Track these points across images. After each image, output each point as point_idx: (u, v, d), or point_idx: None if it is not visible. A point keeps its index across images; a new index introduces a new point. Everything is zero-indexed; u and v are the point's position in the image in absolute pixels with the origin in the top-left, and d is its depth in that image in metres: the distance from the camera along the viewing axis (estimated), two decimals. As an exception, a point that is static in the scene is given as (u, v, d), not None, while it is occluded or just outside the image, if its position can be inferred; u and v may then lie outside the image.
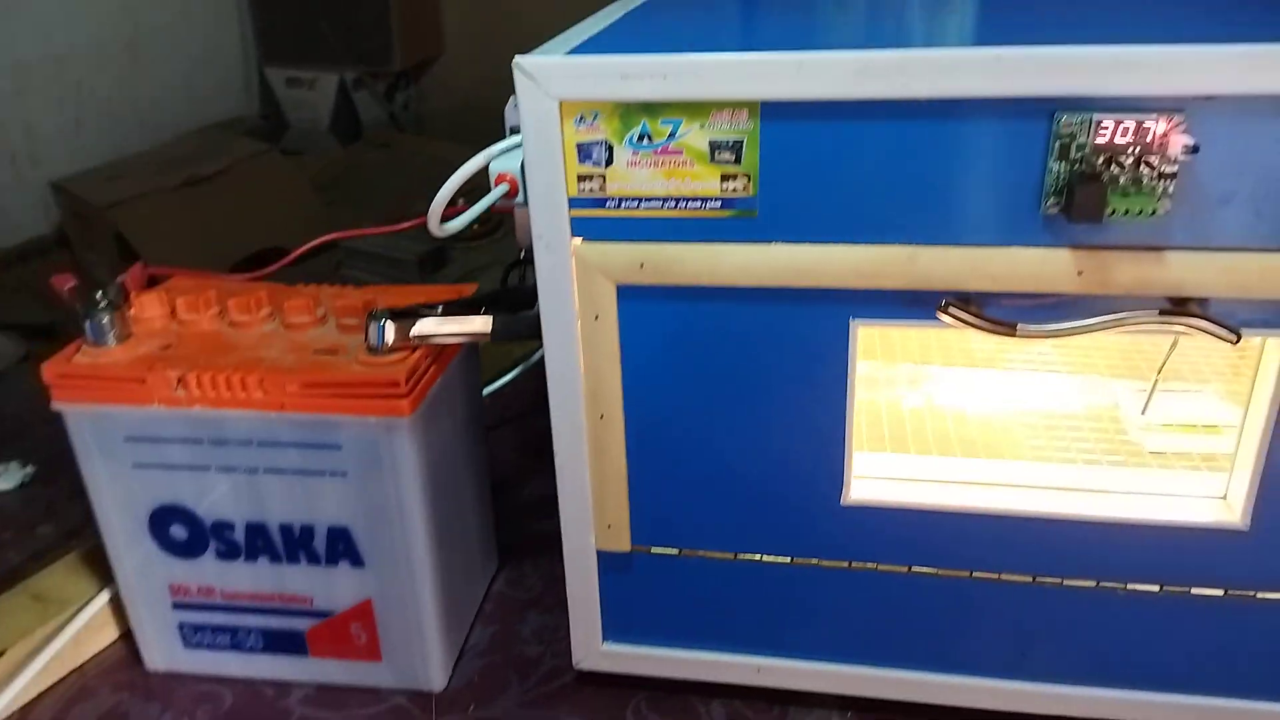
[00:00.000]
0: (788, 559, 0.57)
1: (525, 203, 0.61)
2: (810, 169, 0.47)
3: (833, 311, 0.50)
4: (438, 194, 0.55)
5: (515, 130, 0.69)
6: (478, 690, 0.65)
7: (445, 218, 0.56)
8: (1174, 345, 0.63)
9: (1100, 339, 0.67)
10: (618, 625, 0.62)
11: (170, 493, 0.61)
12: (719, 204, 0.48)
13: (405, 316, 0.58)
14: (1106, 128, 0.43)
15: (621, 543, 0.58)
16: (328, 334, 0.62)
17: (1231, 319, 0.46)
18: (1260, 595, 0.52)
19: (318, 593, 0.63)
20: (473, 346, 0.67)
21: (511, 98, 0.69)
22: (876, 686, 0.60)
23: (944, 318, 0.48)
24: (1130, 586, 0.54)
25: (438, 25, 1.87)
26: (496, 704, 0.64)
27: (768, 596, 0.59)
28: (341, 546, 0.61)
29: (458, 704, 0.64)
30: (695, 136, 0.47)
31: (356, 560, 0.61)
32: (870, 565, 0.56)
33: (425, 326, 0.57)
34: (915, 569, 0.56)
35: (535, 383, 0.88)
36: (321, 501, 0.60)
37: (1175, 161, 0.43)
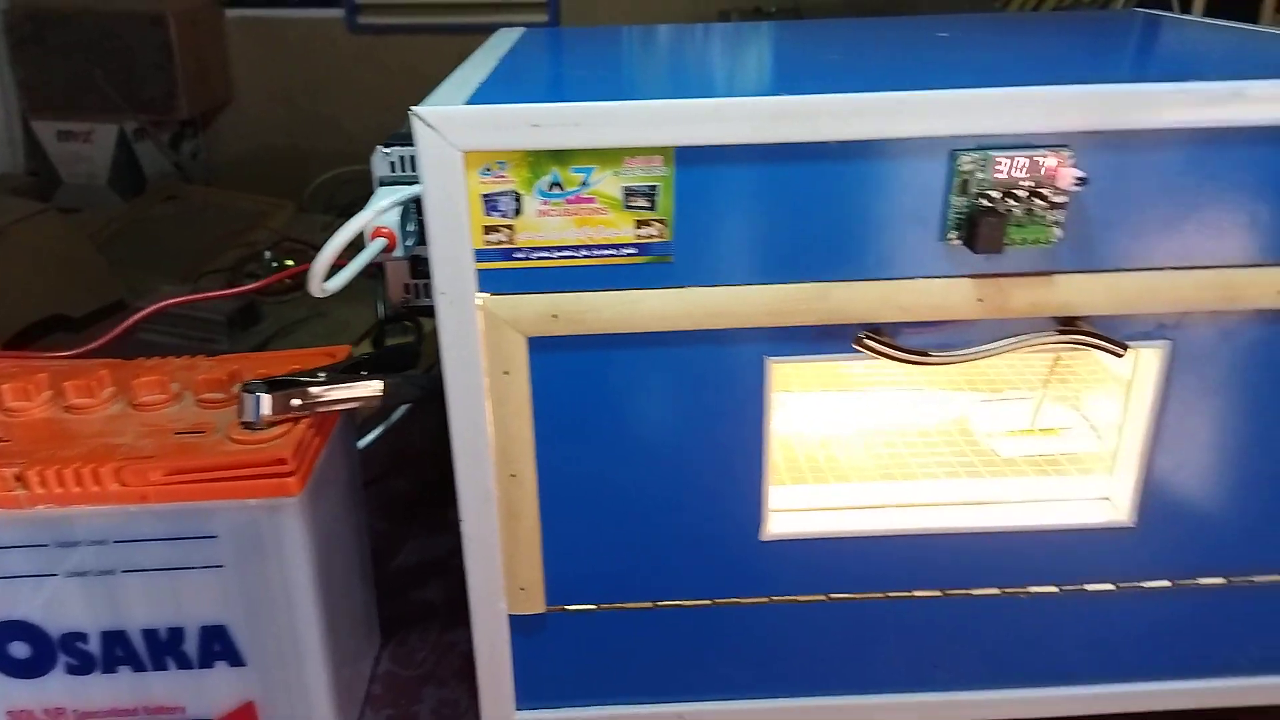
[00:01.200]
0: (709, 600, 0.56)
1: (403, 255, 0.58)
2: (724, 212, 0.47)
3: (748, 351, 0.50)
4: (321, 253, 0.51)
5: (384, 181, 0.66)
6: (382, 782, 0.60)
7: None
8: (1054, 365, 0.67)
9: None
10: (531, 691, 0.59)
11: (7, 607, 0.52)
12: (634, 250, 0.47)
13: (283, 386, 0.53)
14: (1002, 164, 0.45)
15: (535, 605, 0.56)
16: (185, 412, 0.56)
17: (1115, 333, 0.49)
18: (1146, 584, 0.56)
19: (190, 701, 0.56)
20: (348, 413, 0.62)
21: (378, 147, 0.66)
22: (799, 716, 0.60)
23: (860, 349, 0.48)
24: (1031, 589, 0.57)
25: (225, 71, 1.76)
26: (406, 794, 0.59)
27: (688, 641, 0.58)
28: (218, 646, 0.54)
29: (362, 800, 0.59)
30: (608, 184, 0.46)
31: (235, 659, 0.55)
32: (790, 598, 0.56)
33: (313, 394, 0.52)
34: (833, 596, 0.56)
35: (389, 445, 0.83)
36: (192, 599, 0.53)
37: (1065, 193, 0.45)
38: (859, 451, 0.65)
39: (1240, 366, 0.51)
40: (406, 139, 0.65)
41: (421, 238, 0.62)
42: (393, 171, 0.64)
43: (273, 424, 0.52)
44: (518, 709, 0.59)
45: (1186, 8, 1.40)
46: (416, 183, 0.56)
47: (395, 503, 0.86)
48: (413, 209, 0.58)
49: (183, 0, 1.65)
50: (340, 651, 0.58)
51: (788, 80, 0.52)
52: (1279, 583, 0.57)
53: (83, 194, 1.66)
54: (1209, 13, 1.40)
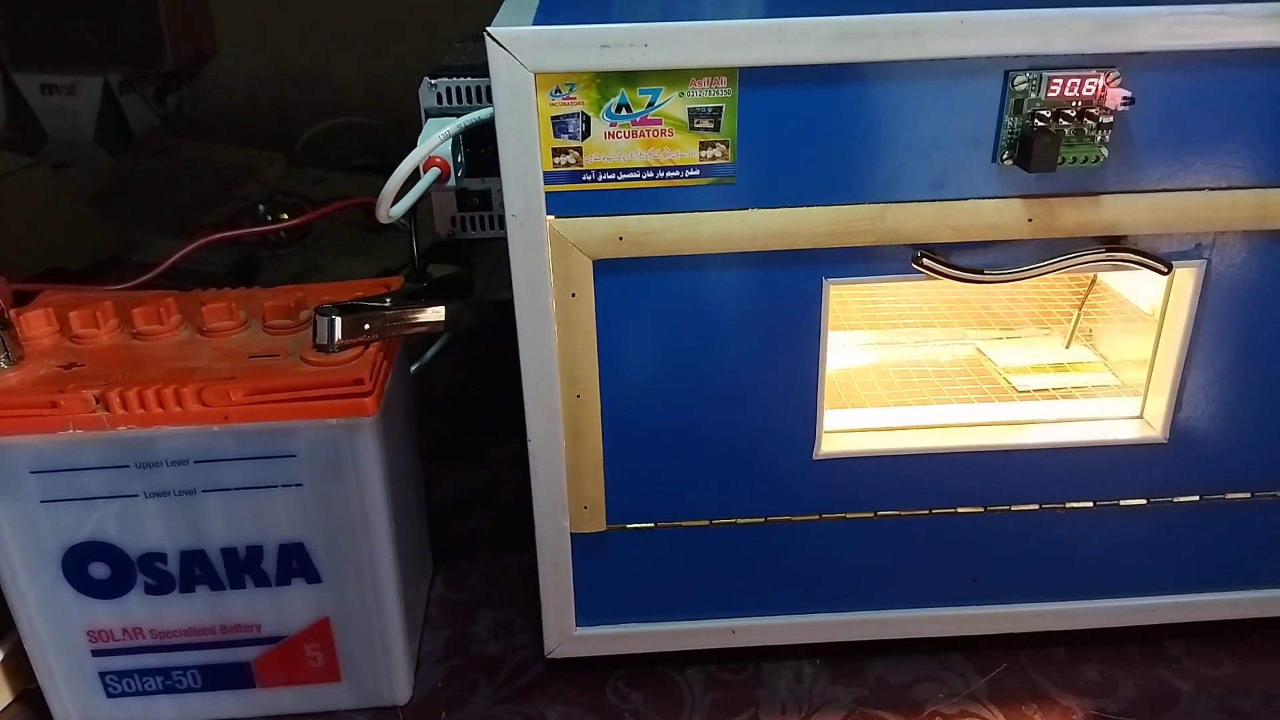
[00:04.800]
0: (762, 519, 0.59)
1: (455, 186, 0.60)
2: (785, 134, 0.48)
3: (807, 273, 0.52)
4: (388, 182, 0.52)
5: (430, 113, 0.67)
6: (446, 696, 0.62)
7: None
8: (1090, 286, 0.69)
9: (958, 290, 0.73)
10: (591, 608, 0.61)
11: (88, 528, 0.55)
12: (698, 172, 0.49)
13: (353, 311, 0.54)
14: (1056, 84, 0.47)
15: (597, 523, 0.58)
16: (255, 338, 0.58)
17: (1155, 253, 0.51)
18: (1177, 499, 0.59)
19: (266, 618, 0.58)
20: (403, 342, 0.64)
21: (425, 79, 0.67)
22: (843, 630, 0.63)
23: (918, 269, 0.50)
24: (1068, 505, 0.59)
25: (209, 21, 1.74)
26: (468, 707, 0.62)
27: (741, 558, 0.60)
28: (295, 563, 0.57)
29: (426, 714, 0.61)
30: (674, 105, 0.47)
31: (312, 576, 0.57)
32: (840, 515, 0.59)
33: (383, 318, 0.54)
34: (880, 513, 0.59)
35: (420, 383, 0.85)
36: (271, 517, 0.55)
37: (1113, 113, 0.47)
38: (886, 384, 0.67)
39: (1269, 285, 0.53)
40: (453, 71, 0.66)
41: (471, 169, 0.63)
42: (439, 104, 0.65)
43: (345, 347, 0.54)
44: (578, 625, 0.61)
45: None
46: (462, 114, 0.57)
47: (430, 440, 0.89)
48: (460, 141, 0.60)
49: (166, -52, 1.62)
50: (406, 571, 0.61)
51: (847, 2, 0.53)
52: (1303, 498, 0.60)
53: (70, 149, 1.63)
54: None
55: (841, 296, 0.77)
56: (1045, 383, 0.67)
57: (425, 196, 0.57)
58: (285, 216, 1.30)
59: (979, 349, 0.73)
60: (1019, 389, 0.65)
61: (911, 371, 0.68)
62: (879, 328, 0.75)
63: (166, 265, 0.65)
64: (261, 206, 1.34)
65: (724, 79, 0.47)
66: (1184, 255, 0.52)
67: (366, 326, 0.54)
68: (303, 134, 1.59)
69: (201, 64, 1.76)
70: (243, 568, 0.56)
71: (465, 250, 0.70)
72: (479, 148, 0.62)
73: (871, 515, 0.59)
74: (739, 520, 0.59)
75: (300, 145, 1.56)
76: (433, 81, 0.65)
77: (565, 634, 0.61)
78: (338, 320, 0.53)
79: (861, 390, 0.66)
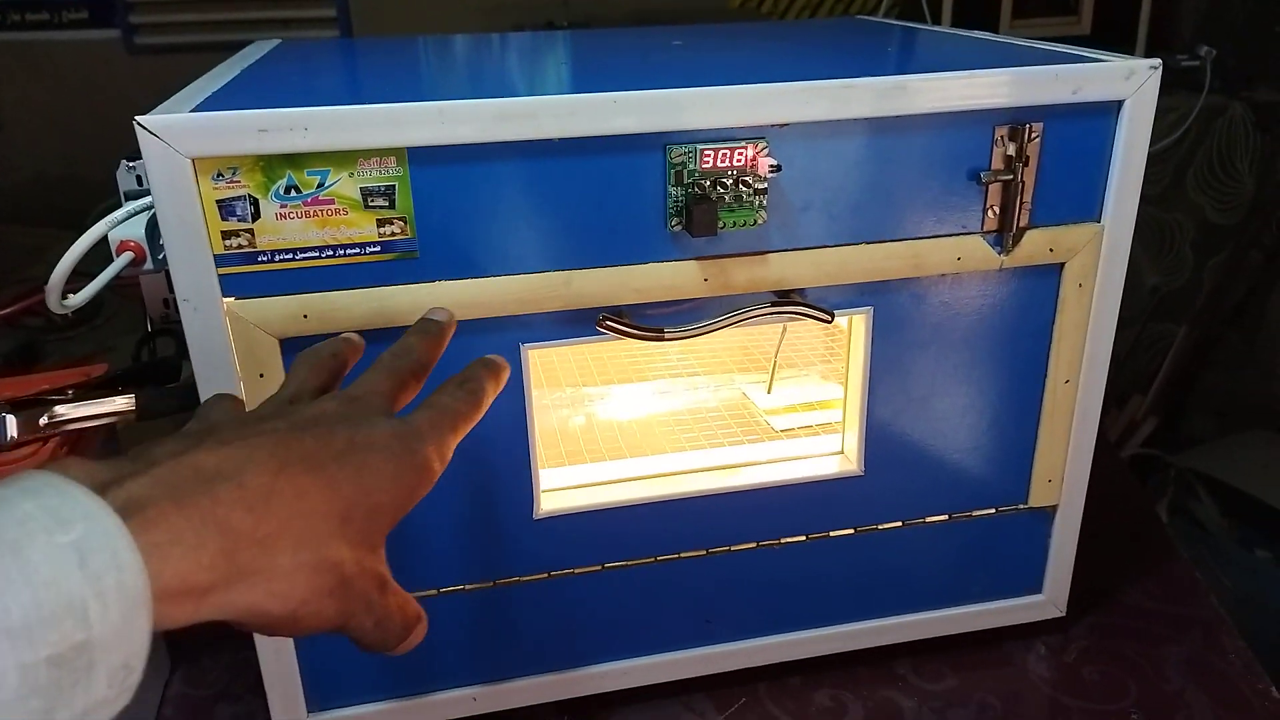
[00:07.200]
0: (490, 582, 0.59)
1: (155, 269, 0.58)
2: (463, 208, 0.50)
3: (504, 340, 0.53)
4: (56, 268, 0.50)
5: (130, 195, 0.65)
6: (173, 803, 0.59)
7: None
8: (783, 335, 0.74)
9: (724, 339, 0.78)
10: (322, 693, 0.59)
11: None
12: (379, 248, 0.49)
13: (29, 406, 0.51)
14: (709, 155, 0.50)
15: (318, 604, 0.56)
16: (-76, 441, 0.53)
17: (825, 303, 0.56)
18: (882, 527, 0.63)
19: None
20: (111, 430, 0.61)
21: (122, 161, 0.65)
22: (586, 684, 0.63)
23: (602, 330, 0.52)
24: (784, 541, 0.62)
25: None
26: (198, 812, 0.58)
27: (474, 624, 0.60)
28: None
29: (151, 825, 0.58)
30: (345, 185, 0.48)
31: None
32: (567, 571, 0.60)
33: (60, 412, 0.51)
34: (607, 565, 0.60)
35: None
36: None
37: (765, 179, 0.51)
38: (655, 432, 0.70)
39: (933, 325, 0.59)
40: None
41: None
42: (140, 185, 0.63)
43: (21, 444, 0.51)
44: (309, 712, 0.59)
45: (937, 18, 1.54)
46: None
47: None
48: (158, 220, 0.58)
49: (-61, 27, 1.52)
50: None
51: (515, 84, 0.56)
52: (994, 516, 0.65)
53: None
54: (955, 21, 1.55)
55: (613, 351, 0.81)
56: (799, 421, 0.71)
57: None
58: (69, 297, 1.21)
59: (743, 392, 0.77)
60: (777, 429, 0.69)
61: (684, 416, 0.72)
62: (661, 377, 0.79)
63: None
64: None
65: (393, 159, 0.48)
66: (851, 303, 0.57)
67: (44, 421, 0.51)
68: (94, 209, 1.50)
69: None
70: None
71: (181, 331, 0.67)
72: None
73: (599, 568, 0.60)
74: (467, 586, 0.59)
75: (90, 221, 1.48)
76: (130, 164, 0.62)
77: (298, 721, 0.59)
78: (9, 418, 0.50)
79: (624, 440, 0.68)
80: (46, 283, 0.50)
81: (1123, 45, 1.54)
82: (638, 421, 0.73)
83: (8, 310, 0.87)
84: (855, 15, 1.68)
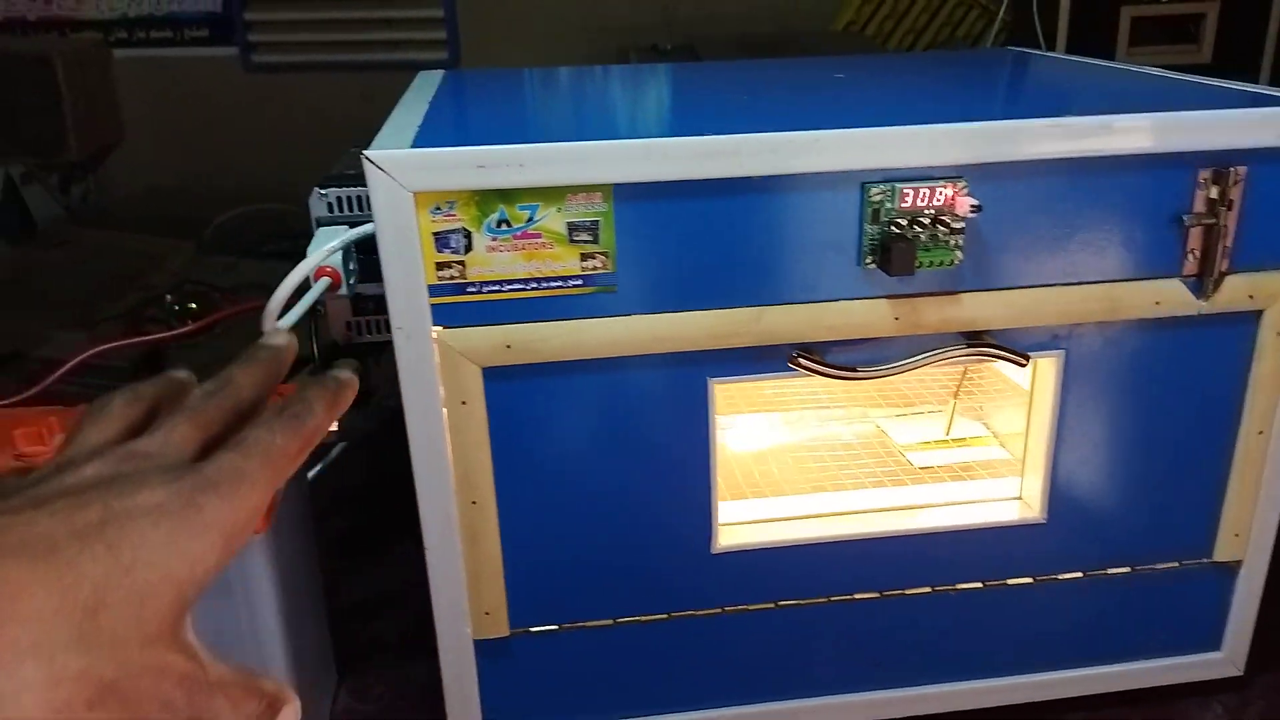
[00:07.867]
0: (665, 614, 0.59)
1: (347, 294, 0.61)
2: (662, 244, 0.51)
3: (691, 373, 0.54)
4: (274, 293, 0.53)
5: (322, 222, 0.69)
6: (349, 816, 0.61)
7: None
8: (963, 376, 0.72)
9: None
10: (498, 713, 0.60)
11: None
12: (580, 281, 0.51)
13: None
14: (908, 194, 0.50)
15: (500, 628, 0.58)
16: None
17: (1014, 345, 0.55)
18: (1061, 576, 0.61)
19: (155, 745, 0.56)
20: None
21: (315, 189, 0.69)
22: (752, 724, 0.63)
23: (794, 367, 0.53)
24: (959, 586, 0.61)
25: (115, 113, 1.74)
26: (373, 826, 0.60)
27: (646, 656, 0.60)
28: (185, 686, 0.55)
29: (329, 836, 0.59)
30: (553, 219, 0.49)
31: (203, 699, 0.56)
32: (741, 607, 0.60)
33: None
34: (781, 603, 0.60)
35: (325, 485, 0.84)
36: (159, 640, 0.54)
37: (963, 219, 0.51)
38: (790, 467, 0.69)
39: (1126, 371, 0.57)
40: (343, 180, 0.68)
41: (363, 276, 0.65)
42: (330, 212, 0.67)
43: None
44: (483, 732, 0.60)
45: (1051, 44, 1.50)
46: (354, 223, 0.59)
47: (329, 543, 0.87)
48: (353, 248, 0.61)
49: (69, 41, 1.62)
50: (303, 686, 0.59)
51: (711, 121, 0.57)
52: (1177, 569, 0.63)
53: (-30, 243, 1.61)
54: (1070, 48, 1.51)
55: (746, 383, 0.80)
56: (940, 458, 0.70)
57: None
58: (194, 306, 1.28)
59: (879, 426, 0.76)
60: (916, 465, 0.68)
61: (818, 451, 0.71)
62: (790, 408, 0.78)
63: (55, 376, 0.64)
64: (169, 296, 1.32)
65: (599, 195, 0.49)
66: (1043, 346, 0.56)
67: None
68: (210, 222, 1.59)
69: (106, 153, 1.75)
70: (130, 694, 0.55)
71: (361, 354, 0.70)
72: (372, 253, 0.63)
73: (772, 605, 0.60)
74: (642, 618, 0.59)
75: (208, 233, 1.56)
76: (322, 191, 0.66)
77: (472, 743, 0.60)
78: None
79: (763, 477, 0.67)
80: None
81: (1246, 74, 1.47)
82: (769, 452, 0.72)
83: (196, 326, 0.92)
84: (973, 41, 1.65)
